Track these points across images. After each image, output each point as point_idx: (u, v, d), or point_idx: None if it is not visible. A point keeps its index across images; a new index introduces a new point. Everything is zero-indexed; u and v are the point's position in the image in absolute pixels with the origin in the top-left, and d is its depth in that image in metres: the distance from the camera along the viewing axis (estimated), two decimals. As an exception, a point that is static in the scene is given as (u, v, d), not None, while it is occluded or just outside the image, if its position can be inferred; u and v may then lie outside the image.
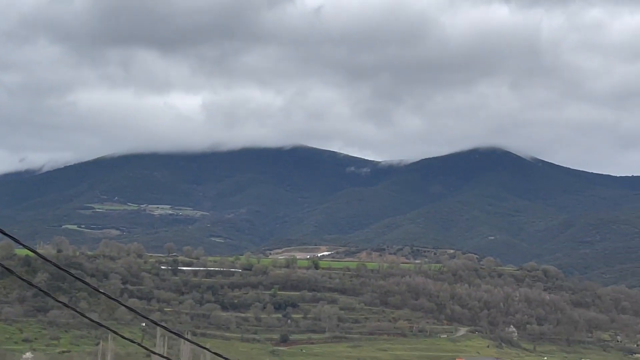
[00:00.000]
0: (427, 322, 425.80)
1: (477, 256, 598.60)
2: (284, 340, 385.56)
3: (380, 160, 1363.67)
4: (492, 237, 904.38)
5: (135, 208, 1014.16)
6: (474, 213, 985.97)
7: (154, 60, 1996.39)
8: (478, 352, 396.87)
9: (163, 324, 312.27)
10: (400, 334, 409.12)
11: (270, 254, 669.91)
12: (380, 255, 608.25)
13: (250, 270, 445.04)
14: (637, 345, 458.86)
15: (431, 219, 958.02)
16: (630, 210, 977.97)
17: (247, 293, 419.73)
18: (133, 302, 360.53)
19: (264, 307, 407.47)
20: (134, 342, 52.25)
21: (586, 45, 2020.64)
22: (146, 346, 69.39)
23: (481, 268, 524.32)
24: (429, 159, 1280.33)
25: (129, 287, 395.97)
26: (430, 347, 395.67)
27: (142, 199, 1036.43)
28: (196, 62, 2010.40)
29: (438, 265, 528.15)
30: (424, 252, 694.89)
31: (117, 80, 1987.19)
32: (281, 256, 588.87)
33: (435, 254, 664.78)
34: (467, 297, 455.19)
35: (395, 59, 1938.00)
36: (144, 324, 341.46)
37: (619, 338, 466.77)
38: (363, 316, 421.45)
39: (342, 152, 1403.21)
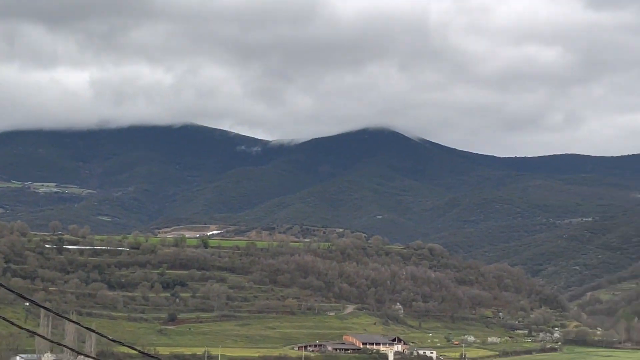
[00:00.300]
0: (316, 300, 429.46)
1: (365, 235, 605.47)
2: (172, 320, 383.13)
3: (270, 140, 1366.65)
4: (380, 216, 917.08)
5: (20, 186, 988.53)
6: (363, 192, 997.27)
7: (40, 35, 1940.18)
8: (365, 329, 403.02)
9: (47, 303, 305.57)
10: (289, 312, 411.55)
11: (158, 232, 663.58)
12: (270, 234, 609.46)
13: (138, 249, 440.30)
14: (518, 322, 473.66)
15: (321, 198, 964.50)
16: (512, 191, 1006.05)
17: (134, 272, 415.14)
18: (16, 282, 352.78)
19: (152, 286, 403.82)
20: (13, 324, 51.32)
21: (473, 28, 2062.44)
22: (28, 328, 68.16)
23: (369, 246, 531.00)
24: (319, 138, 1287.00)
25: (12, 266, 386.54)
26: (319, 325, 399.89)
27: (26, 177, 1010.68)
28: (84, 37, 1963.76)
29: (327, 243, 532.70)
30: (314, 230, 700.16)
31: (1, 55, 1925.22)
32: (170, 235, 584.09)
33: (324, 232, 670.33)
34: (355, 275, 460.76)
35: (286, 38, 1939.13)
36: (27, 304, 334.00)
37: (501, 315, 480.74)
38: (252, 295, 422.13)
39: (232, 130, 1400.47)
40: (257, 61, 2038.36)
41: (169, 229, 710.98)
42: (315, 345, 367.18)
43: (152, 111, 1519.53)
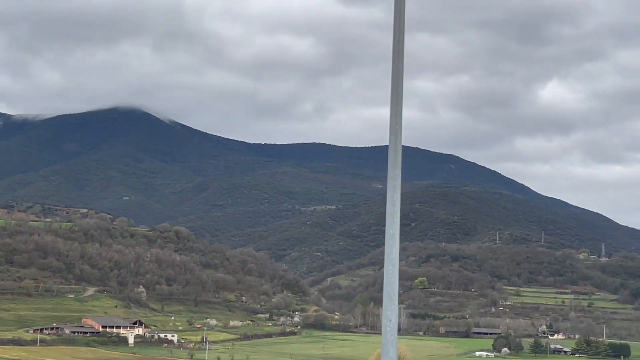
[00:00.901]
0: (55, 282, 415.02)
1: (110, 216, 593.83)
2: None
3: (13, 114, 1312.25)
4: (127, 198, 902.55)
5: None
6: (110, 173, 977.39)
7: None
8: (105, 312, 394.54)
9: None
10: (25, 293, 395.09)
11: None
12: (9, 212, 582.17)
13: None
14: (260, 306, 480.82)
15: (65, 176, 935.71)
16: (261, 176, 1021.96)
17: None
18: None
19: None
20: None
21: (228, 13, 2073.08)
22: None
23: (114, 228, 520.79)
24: (66, 115, 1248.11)
25: None
26: (57, 307, 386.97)
27: None
28: None
29: (69, 224, 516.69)
30: (56, 210, 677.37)
31: None
32: None
33: (67, 212, 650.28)
34: (97, 257, 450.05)
35: (34, 9, 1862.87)
36: None
37: (244, 298, 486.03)
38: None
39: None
40: (1, 31, 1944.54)
41: None
42: (52, 328, 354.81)
43: None
